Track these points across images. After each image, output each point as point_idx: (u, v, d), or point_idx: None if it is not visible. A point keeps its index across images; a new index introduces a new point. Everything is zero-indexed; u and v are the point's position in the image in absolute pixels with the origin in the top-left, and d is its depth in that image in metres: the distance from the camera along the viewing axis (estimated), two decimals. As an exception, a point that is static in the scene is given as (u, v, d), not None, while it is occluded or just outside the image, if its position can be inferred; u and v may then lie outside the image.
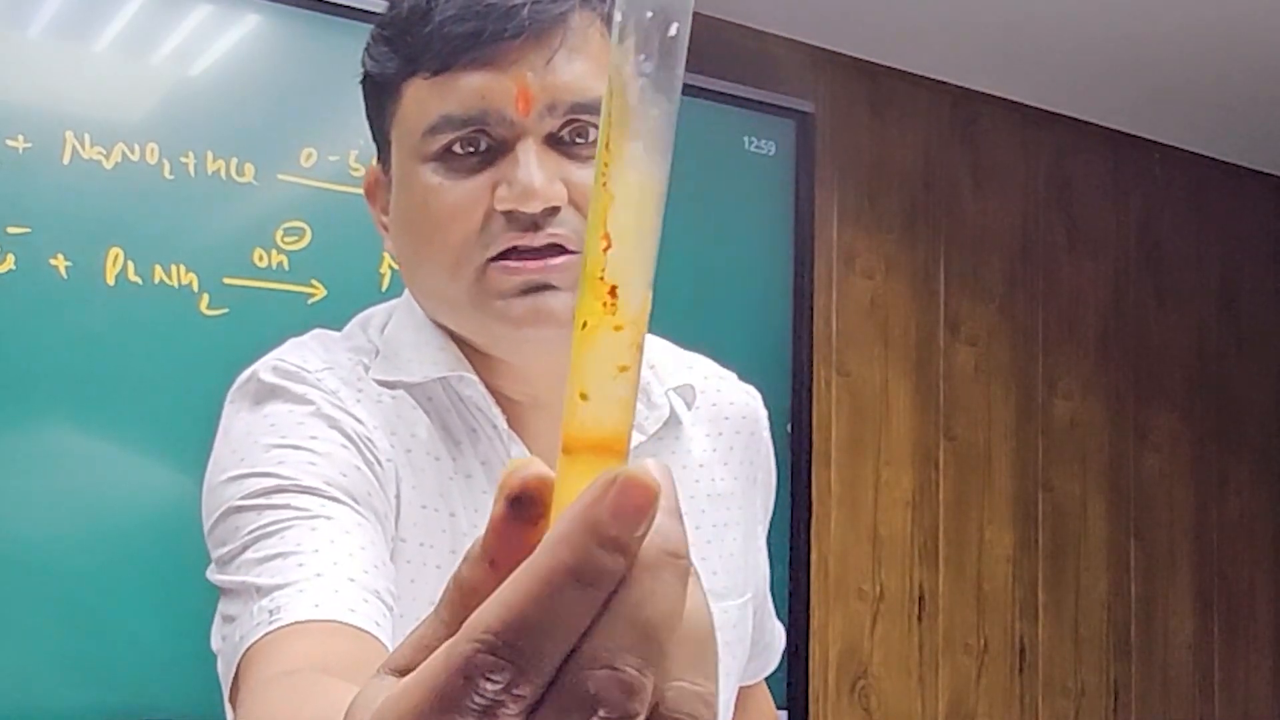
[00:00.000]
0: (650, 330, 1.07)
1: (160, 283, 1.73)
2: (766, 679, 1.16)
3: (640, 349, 0.32)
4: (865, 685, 2.73)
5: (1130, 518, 3.18)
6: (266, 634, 0.68)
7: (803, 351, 2.33)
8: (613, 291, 0.31)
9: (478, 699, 0.28)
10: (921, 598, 2.83)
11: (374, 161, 0.91)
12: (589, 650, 0.28)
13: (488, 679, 0.28)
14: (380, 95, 0.87)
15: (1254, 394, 3.44)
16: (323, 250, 1.83)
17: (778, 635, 1.13)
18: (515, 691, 0.28)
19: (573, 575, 0.28)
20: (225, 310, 1.76)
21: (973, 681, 2.89)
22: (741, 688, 1.06)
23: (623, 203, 0.32)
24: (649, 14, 0.31)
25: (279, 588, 0.70)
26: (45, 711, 1.61)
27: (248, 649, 0.69)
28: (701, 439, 0.97)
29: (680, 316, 1.80)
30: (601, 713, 0.28)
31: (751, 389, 1.04)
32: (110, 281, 1.70)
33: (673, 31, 0.31)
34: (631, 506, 0.29)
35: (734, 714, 0.98)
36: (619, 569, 0.29)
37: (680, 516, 0.30)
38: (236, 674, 0.70)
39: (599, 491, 0.29)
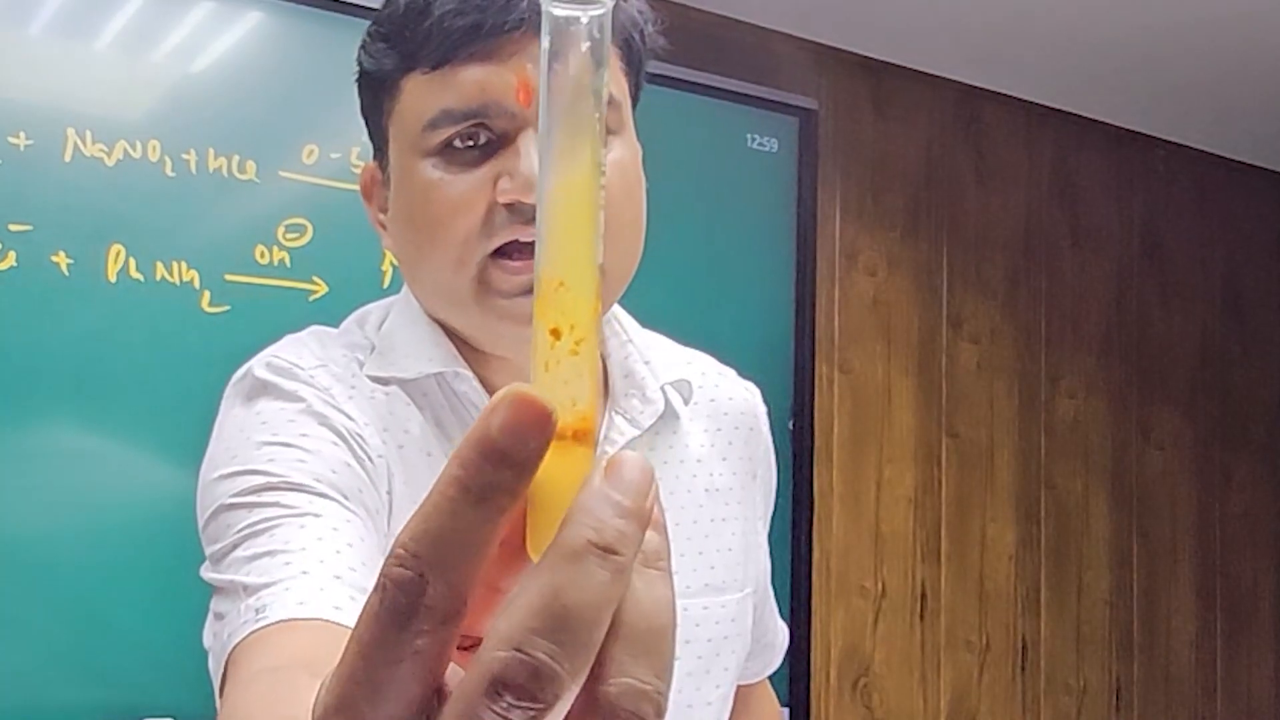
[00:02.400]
0: (652, 326, 1.06)
1: (162, 280, 1.73)
2: (769, 677, 1.16)
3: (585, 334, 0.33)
4: (867, 683, 2.73)
5: (1133, 515, 3.18)
6: (252, 632, 0.68)
7: (804, 348, 2.33)
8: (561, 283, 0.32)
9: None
10: (923, 595, 2.83)
11: (370, 160, 0.91)
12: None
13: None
14: (378, 92, 0.87)
15: (1257, 391, 3.44)
16: (324, 247, 1.83)
17: (780, 634, 1.13)
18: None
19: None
20: (226, 307, 1.76)
21: (975, 679, 2.89)
22: (743, 686, 1.06)
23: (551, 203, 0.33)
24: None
25: (266, 586, 0.70)
26: (45, 709, 1.61)
27: (234, 647, 0.69)
28: (699, 434, 0.97)
29: (682, 313, 1.80)
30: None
31: (751, 385, 1.04)
32: (111, 279, 1.70)
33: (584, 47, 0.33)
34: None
35: (735, 712, 0.98)
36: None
37: (643, 520, 0.30)
38: (224, 672, 0.70)
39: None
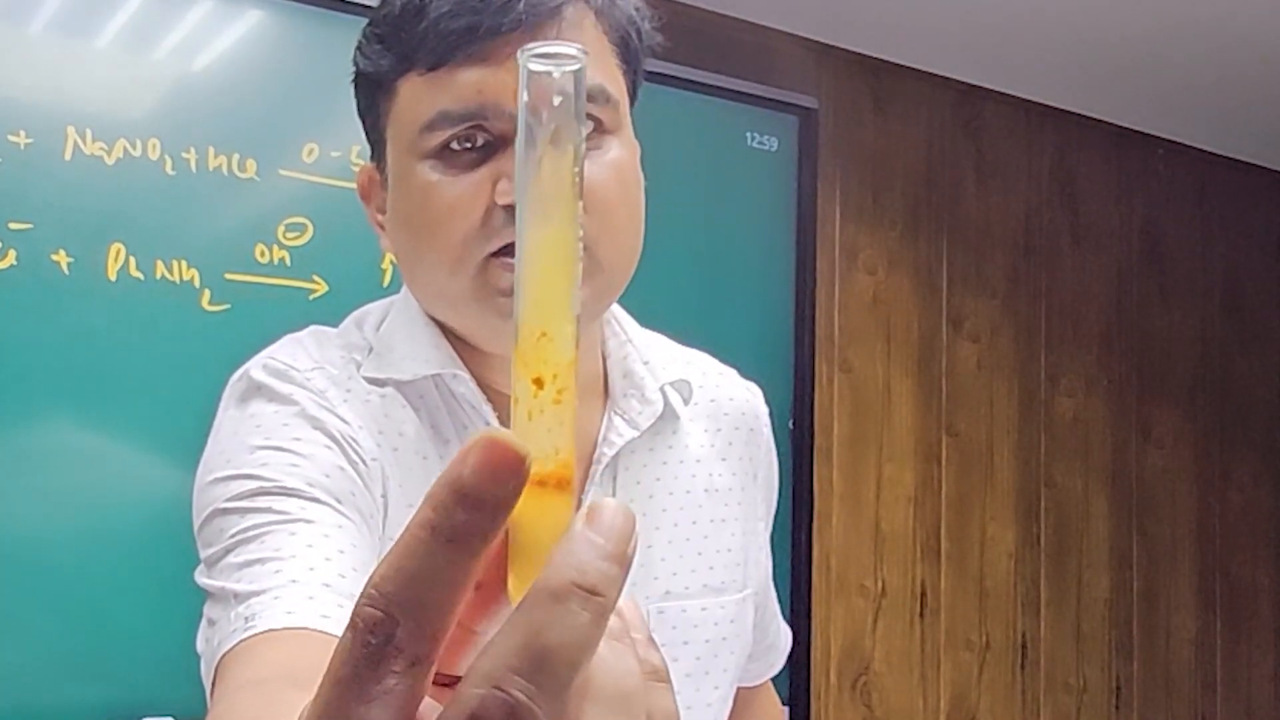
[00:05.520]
0: (652, 326, 1.06)
1: (162, 278, 1.73)
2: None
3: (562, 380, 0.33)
4: (867, 682, 2.73)
5: (1132, 514, 3.18)
6: (241, 641, 0.68)
7: (805, 347, 2.33)
8: (544, 333, 0.33)
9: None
10: (923, 594, 2.83)
11: (367, 161, 0.91)
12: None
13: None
14: (375, 93, 0.87)
15: (1257, 390, 3.44)
16: (324, 246, 1.83)
17: (783, 636, 1.12)
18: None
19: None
20: (227, 306, 1.76)
21: (974, 678, 2.89)
22: (746, 688, 1.06)
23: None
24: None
25: (255, 594, 0.70)
26: (44, 708, 1.61)
27: (223, 655, 0.69)
28: (699, 434, 0.97)
29: (682, 312, 1.80)
30: None
31: (751, 385, 1.04)
32: (112, 277, 1.70)
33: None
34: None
35: (737, 713, 0.98)
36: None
37: (625, 564, 0.31)
38: (214, 679, 0.70)
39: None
